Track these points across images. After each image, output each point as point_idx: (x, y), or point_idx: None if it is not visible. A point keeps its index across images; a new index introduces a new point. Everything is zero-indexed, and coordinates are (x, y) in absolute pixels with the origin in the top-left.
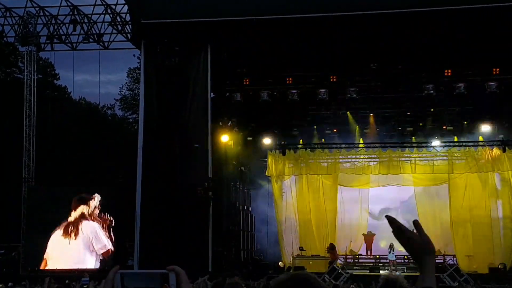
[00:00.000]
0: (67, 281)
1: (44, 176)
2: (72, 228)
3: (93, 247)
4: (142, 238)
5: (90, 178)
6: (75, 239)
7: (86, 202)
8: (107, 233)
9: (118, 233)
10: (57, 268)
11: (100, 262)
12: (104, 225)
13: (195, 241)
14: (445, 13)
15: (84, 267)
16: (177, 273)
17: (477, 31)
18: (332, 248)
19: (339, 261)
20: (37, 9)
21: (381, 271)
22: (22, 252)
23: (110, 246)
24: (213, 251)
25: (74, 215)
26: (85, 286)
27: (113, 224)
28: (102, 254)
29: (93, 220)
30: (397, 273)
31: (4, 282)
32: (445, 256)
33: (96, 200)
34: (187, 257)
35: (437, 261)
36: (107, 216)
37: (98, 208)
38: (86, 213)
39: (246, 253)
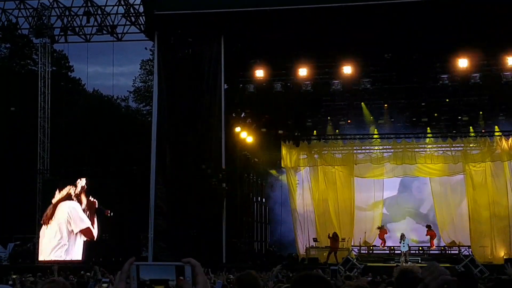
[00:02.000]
0: (81, 272)
1: (59, 168)
2: (48, 214)
3: (70, 226)
4: (156, 229)
5: (104, 169)
6: (50, 223)
7: (73, 183)
8: (94, 218)
9: (132, 224)
10: (49, 259)
11: (83, 245)
12: (92, 209)
13: (209, 232)
14: (460, 3)
15: (67, 249)
16: (193, 266)
17: (492, 21)
18: (334, 236)
19: (353, 252)
20: (51, 1)
21: (391, 262)
22: (37, 243)
23: (90, 225)
24: (227, 242)
25: (58, 196)
26: (104, 285)
27: (96, 206)
28: (81, 233)
29: (77, 201)
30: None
31: (20, 273)
32: (460, 247)
33: (83, 181)
34: (201, 248)
35: (452, 251)
36: (92, 199)
37: (84, 190)
38: (72, 193)
39: (260, 244)
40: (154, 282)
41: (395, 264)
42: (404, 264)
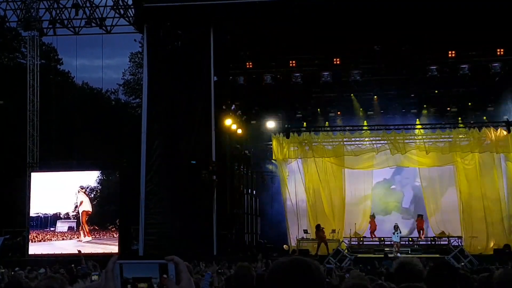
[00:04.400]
0: (72, 265)
1: (48, 161)
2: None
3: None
4: (147, 222)
5: (94, 163)
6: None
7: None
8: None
9: (123, 218)
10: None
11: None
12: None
13: (199, 224)
14: None
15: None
16: (176, 263)
17: (481, 11)
18: (317, 229)
19: (344, 243)
20: None
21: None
22: (27, 237)
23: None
24: (217, 234)
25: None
26: (94, 277)
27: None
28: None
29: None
30: (399, 254)
31: (9, 267)
32: (450, 238)
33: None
34: (192, 241)
35: (441, 242)
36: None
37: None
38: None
39: (250, 237)
40: (137, 280)
41: (393, 255)
42: (395, 254)
